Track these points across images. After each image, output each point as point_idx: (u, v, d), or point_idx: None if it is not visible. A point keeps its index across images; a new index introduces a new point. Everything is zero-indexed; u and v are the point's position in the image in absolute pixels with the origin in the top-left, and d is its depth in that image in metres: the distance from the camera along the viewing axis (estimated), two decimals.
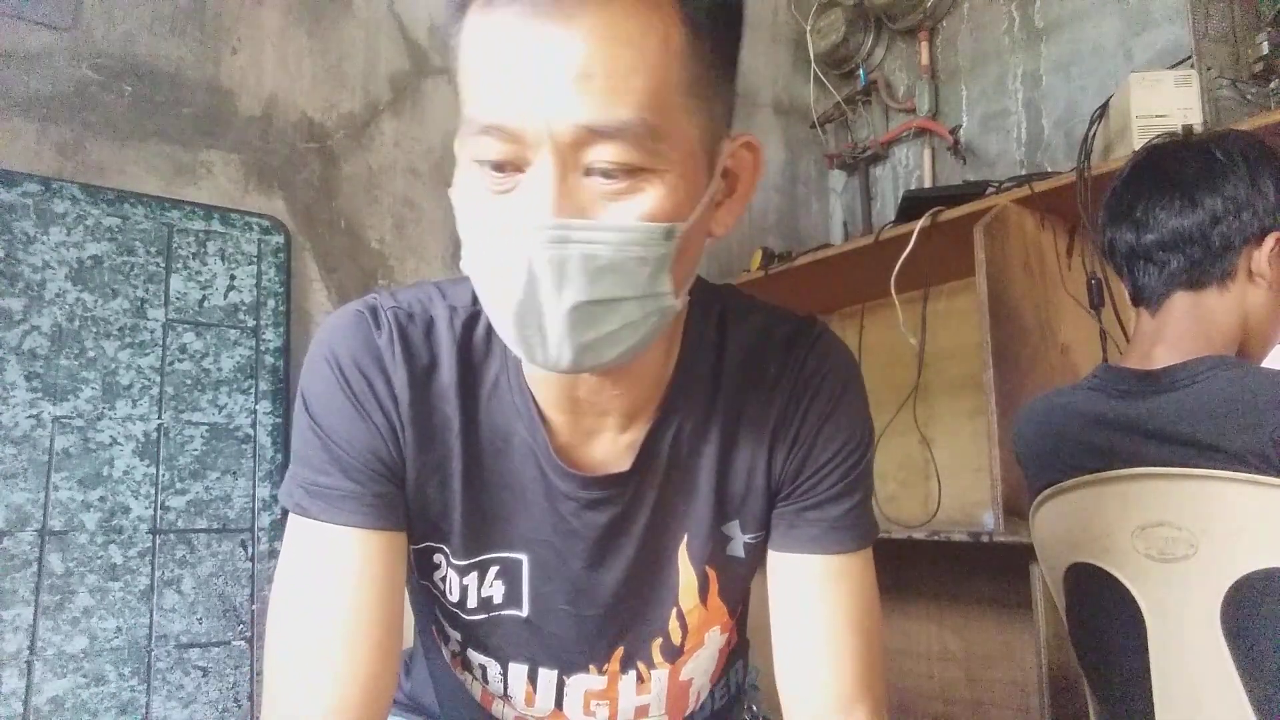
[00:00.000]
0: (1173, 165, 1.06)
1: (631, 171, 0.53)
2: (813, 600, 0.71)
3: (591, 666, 0.75)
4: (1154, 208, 1.05)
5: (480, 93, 0.54)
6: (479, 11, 0.54)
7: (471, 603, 0.73)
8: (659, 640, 0.75)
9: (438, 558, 0.72)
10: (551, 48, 0.51)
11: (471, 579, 0.72)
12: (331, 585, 0.64)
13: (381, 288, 1.84)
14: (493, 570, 0.72)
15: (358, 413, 0.66)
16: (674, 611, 0.74)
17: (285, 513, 1.76)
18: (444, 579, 0.73)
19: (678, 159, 0.55)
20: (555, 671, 0.76)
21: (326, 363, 0.67)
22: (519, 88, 0.52)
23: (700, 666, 0.78)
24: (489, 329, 0.69)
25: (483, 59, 0.54)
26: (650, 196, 0.54)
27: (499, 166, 0.54)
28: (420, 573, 0.74)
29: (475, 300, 0.70)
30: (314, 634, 0.63)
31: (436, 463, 0.68)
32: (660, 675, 0.76)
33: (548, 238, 0.53)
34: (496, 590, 0.72)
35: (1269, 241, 1.01)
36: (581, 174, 0.54)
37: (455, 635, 0.77)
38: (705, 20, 0.56)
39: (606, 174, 0.53)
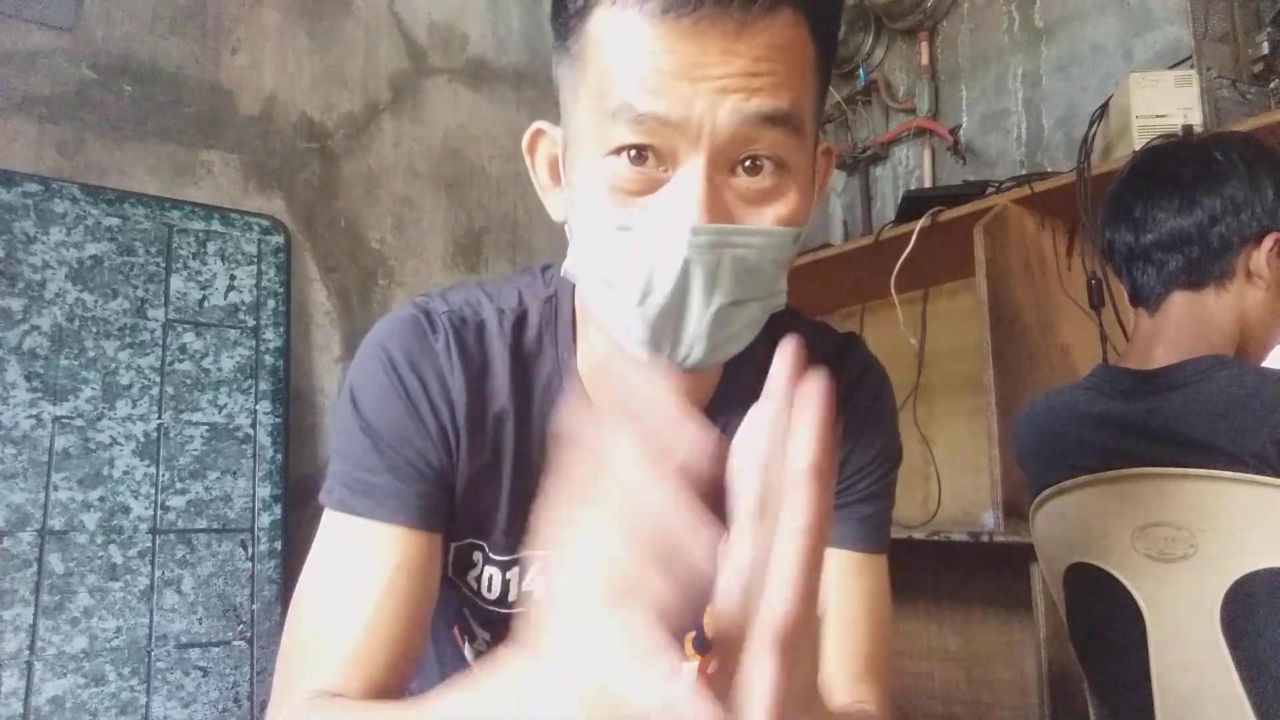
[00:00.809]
0: (1172, 166, 1.06)
1: (779, 166, 0.56)
2: (829, 589, 0.72)
3: None
4: (1153, 208, 1.05)
5: (635, 83, 0.54)
6: (624, 8, 0.54)
7: (512, 596, 0.73)
8: (692, 634, 0.76)
9: (476, 555, 0.72)
10: (720, 50, 0.53)
11: (514, 574, 0.72)
12: (362, 576, 0.64)
13: (380, 295, 1.85)
14: (534, 567, 0.72)
15: (411, 415, 0.66)
16: (708, 606, 0.75)
17: (286, 514, 1.75)
18: (478, 577, 0.73)
19: (806, 163, 0.59)
20: None
21: (381, 363, 0.67)
22: (685, 80, 0.53)
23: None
24: (539, 329, 0.70)
25: (637, 53, 0.54)
26: (788, 200, 0.57)
27: (641, 159, 0.55)
28: (455, 570, 0.74)
29: (521, 300, 0.71)
30: (337, 623, 0.63)
31: (489, 462, 0.69)
32: (690, 668, 0.77)
33: (707, 242, 0.54)
34: (538, 587, 0.72)
35: (1267, 242, 1.01)
36: (727, 173, 0.55)
37: (484, 635, 0.77)
38: (826, 39, 0.59)
39: (755, 168, 0.55)
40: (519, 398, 0.69)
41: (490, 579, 0.73)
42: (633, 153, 0.55)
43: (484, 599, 0.74)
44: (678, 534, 0.34)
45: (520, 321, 0.70)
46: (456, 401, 0.67)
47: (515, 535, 0.71)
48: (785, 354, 0.38)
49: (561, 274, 0.64)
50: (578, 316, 0.71)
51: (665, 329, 0.57)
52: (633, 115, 0.54)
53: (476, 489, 0.69)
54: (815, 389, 0.36)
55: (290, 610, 0.66)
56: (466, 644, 0.81)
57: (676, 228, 0.54)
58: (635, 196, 0.56)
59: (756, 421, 0.38)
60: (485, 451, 0.68)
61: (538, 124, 0.66)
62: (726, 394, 0.71)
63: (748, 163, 0.55)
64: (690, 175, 0.54)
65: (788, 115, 0.54)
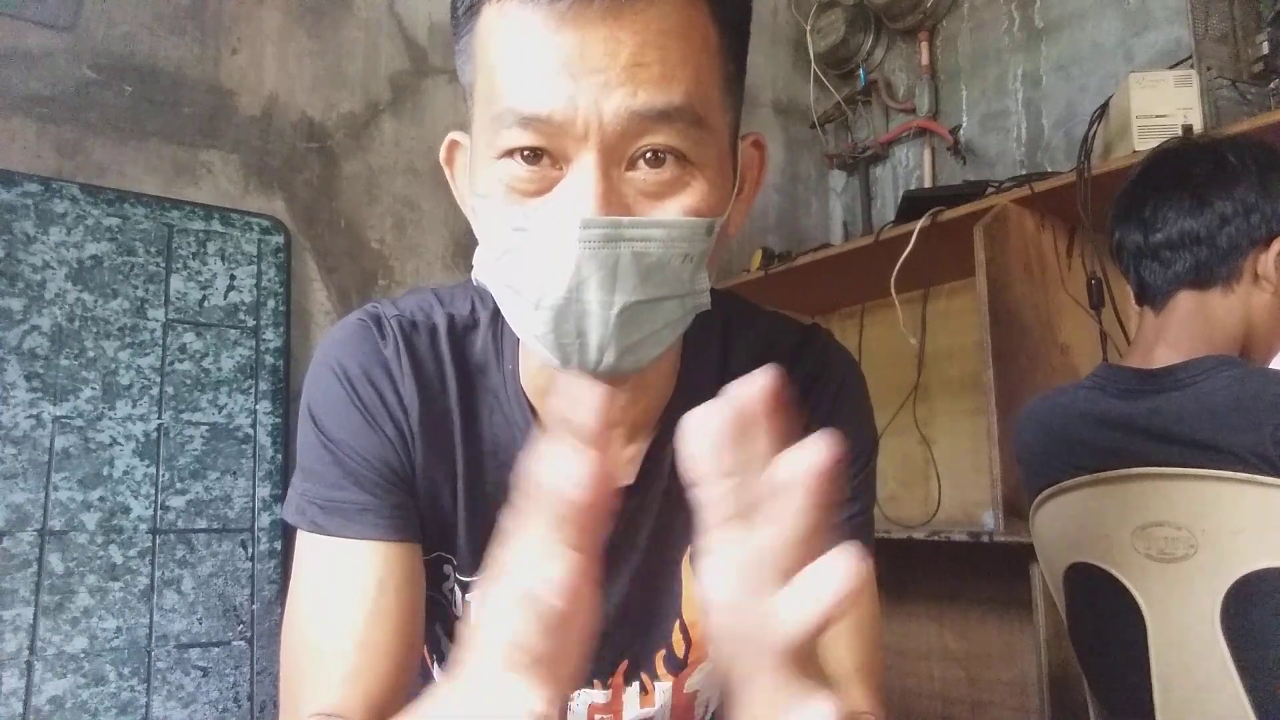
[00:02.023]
0: (1184, 166, 1.06)
1: (678, 160, 0.53)
2: None
3: (596, 681, 0.74)
4: (1163, 207, 1.05)
5: (517, 84, 0.52)
6: (503, 4, 0.52)
7: (475, 618, 0.72)
8: (662, 652, 0.74)
9: (446, 568, 0.71)
10: (602, 39, 0.50)
11: (474, 597, 0.71)
12: (347, 597, 0.62)
13: (380, 295, 1.85)
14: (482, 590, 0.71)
15: (368, 424, 0.64)
16: (677, 623, 0.73)
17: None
18: (451, 590, 0.72)
19: (715, 154, 0.55)
20: None
21: (333, 374, 0.65)
22: (567, 77, 0.50)
23: (707, 680, 0.77)
24: (488, 339, 0.68)
25: (518, 50, 0.52)
26: (694, 191, 0.54)
27: (535, 158, 0.52)
28: (429, 583, 0.72)
29: (473, 309, 0.69)
30: (329, 643, 0.62)
31: (444, 474, 0.67)
32: (664, 688, 0.75)
33: (600, 236, 0.51)
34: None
35: (1276, 245, 1.01)
36: (624, 168, 0.53)
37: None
38: (733, 21, 0.56)
39: (654, 161, 0.52)
40: (467, 410, 0.67)
41: (456, 597, 0.71)
42: (526, 153, 0.52)
43: (455, 614, 0.72)
44: (569, 607, 0.37)
45: (470, 330, 0.68)
46: (409, 406, 0.65)
47: (475, 555, 0.69)
48: (763, 380, 0.37)
49: (473, 281, 0.61)
50: None
51: (568, 333, 0.54)
52: (517, 118, 0.51)
53: (435, 501, 0.67)
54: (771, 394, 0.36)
55: (283, 636, 0.65)
56: (435, 665, 0.80)
57: (567, 223, 0.51)
58: (530, 197, 0.53)
59: (710, 425, 0.38)
60: (440, 461, 0.67)
61: (453, 135, 0.64)
62: (684, 399, 0.68)
63: (648, 154, 0.52)
64: (583, 170, 0.51)
65: (680, 110, 0.51)
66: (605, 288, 0.52)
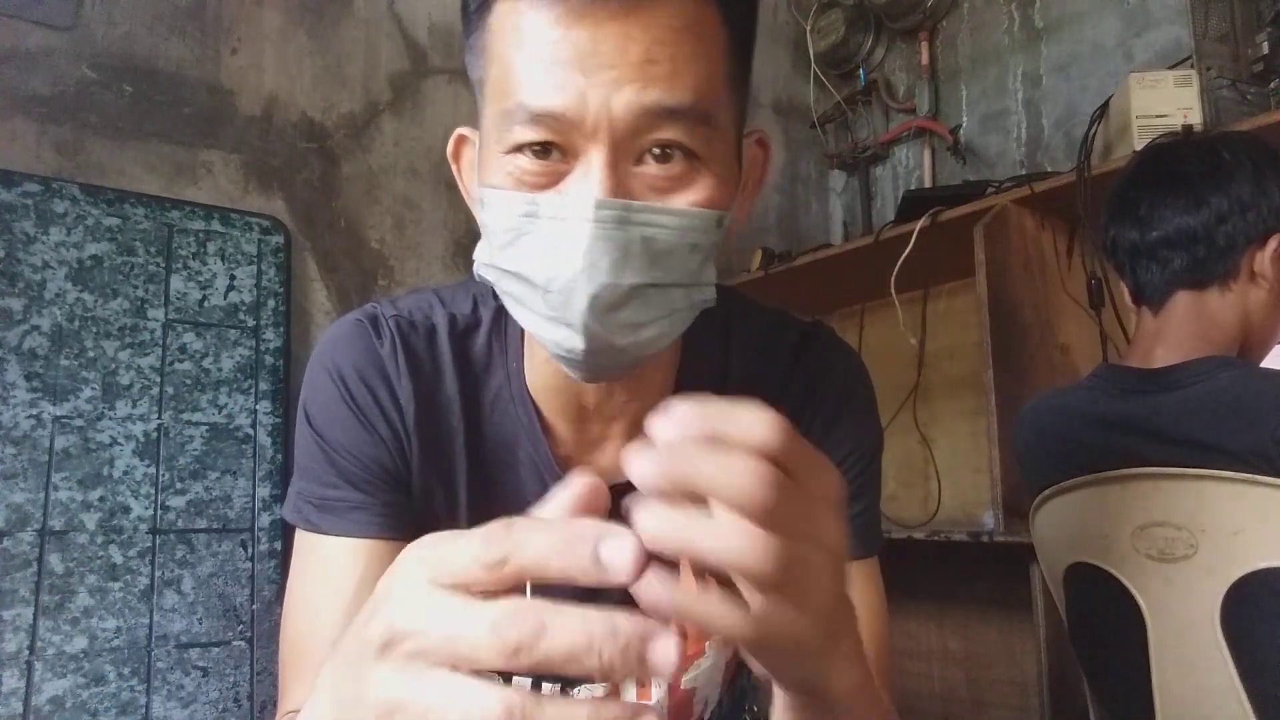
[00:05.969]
0: (1179, 164, 1.06)
1: (687, 156, 0.53)
2: None
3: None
4: (1159, 205, 1.04)
5: (528, 79, 0.52)
6: (516, 1, 0.53)
7: None
8: None
9: None
10: (614, 35, 0.50)
11: None
12: (336, 596, 0.63)
13: (380, 295, 1.85)
14: None
15: (361, 424, 0.65)
16: None
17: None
18: None
19: (722, 150, 0.56)
20: (559, 685, 0.75)
21: (328, 374, 0.66)
22: (578, 73, 0.51)
23: (704, 677, 0.77)
24: (490, 337, 0.68)
25: (530, 46, 0.52)
26: (701, 187, 0.55)
27: (544, 153, 0.53)
28: None
29: (475, 308, 0.69)
30: (314, 641, 0.62)
31: (443, 475, 0.67)
32: (660, 682, 0.76)
33: (612, 218, 0.52)
34: None
35: (1272, 243, 1.01)
36: (633, 163, 0.53)
37: None
38: (741, 21, 0.57)
39: (663, 157, 0.53)
40: (469, 409, 0.67)
41: None
42: (535, 147, 0.53)
43: None
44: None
45: (471, 329, 0.68)
46: (405, 407, 0.65)
47: None
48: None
49: (474, 275, 0.61)
50: None
51: (575, 314, 0.54)
52: (528, 114, 0.52)
53: (434, 500, 0.67)
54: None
55: (281, 642, 0.66)
56: None
57: (581, 205, 0.52)
58: (539, 190, 0.54)
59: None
60: (439, 461, 0.67)
61: (461, 130, 0.64)
62: (683, 395, 0.69)
63: (655, 150, 0.53)
64: (591, 164, 0.52)
65: (689, 108, 0.52)
66: (615, 270, 0.53)
